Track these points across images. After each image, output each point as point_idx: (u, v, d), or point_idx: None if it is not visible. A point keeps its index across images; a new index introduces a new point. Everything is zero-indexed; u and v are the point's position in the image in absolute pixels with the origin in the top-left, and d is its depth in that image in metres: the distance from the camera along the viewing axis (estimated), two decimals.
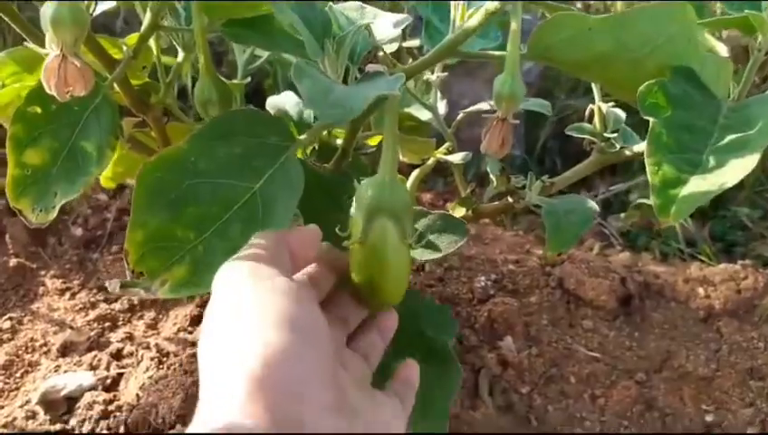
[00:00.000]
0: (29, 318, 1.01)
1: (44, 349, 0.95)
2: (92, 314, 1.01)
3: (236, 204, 0.49)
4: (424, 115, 0.74)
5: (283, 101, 0.64)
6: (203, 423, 0.34)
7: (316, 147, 0.70)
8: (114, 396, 0.86)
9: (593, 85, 0.68)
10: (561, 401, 0.92)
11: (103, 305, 1.04)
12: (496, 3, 0.47)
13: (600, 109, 0.68)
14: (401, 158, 0.76)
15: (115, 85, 0.56)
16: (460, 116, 0.75)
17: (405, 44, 0.77)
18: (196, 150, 0.49)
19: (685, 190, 0.40)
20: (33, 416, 0.83)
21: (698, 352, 1.02)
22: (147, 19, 0.53)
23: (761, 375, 0.98)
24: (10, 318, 1.00)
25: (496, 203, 0.72)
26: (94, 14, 0.54)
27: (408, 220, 0.50)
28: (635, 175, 1.50)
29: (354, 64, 0.55)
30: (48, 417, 0.83)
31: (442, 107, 0.74)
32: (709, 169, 0.41)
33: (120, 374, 0.89)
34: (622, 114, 0.68)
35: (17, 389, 0.89)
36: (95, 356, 0.92)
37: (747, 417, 0.92)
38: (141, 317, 1.02)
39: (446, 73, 0.72)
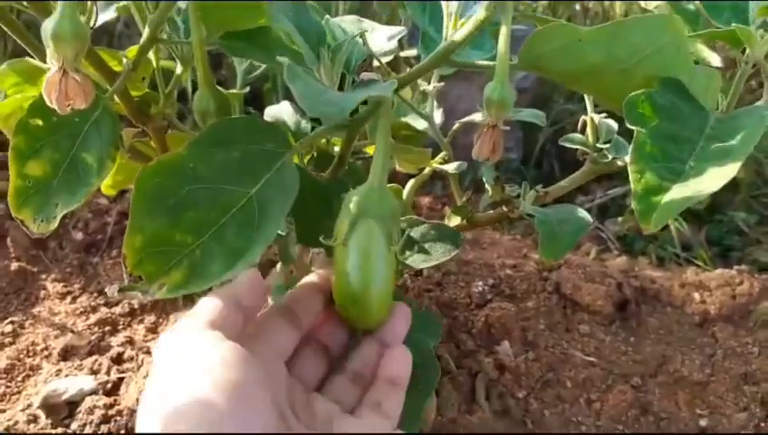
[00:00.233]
0: (30, 322, 1.02)
1: (45, 353, 0.96)
2: (93, 318, 1.02)
3: (233, 208, 0.49)
4: (420, 124, 0.75)
5: (281, 112, 0.65)
6: None
7: (314, 154, 0.72)
8: (115, 400, 0.86)
9: (586, 96, 0.69)
10: (557, 405, 0.93)
11: (104, 309, 1.05)
12: (485, 12, 0.48)
13: (592, 120, 0.69)
14: (398, 167, 0.77)
15: (115, 96, 0.57)
16: (456, 126, 0.76)
17: (402, 54, 0.78)
18: (194, 156, 0.50)
19: (666, 197, 0.41)
20: (34, 420, 0.84)
21: (693, 357, 1.03)
22: (146, 33, 0.54)
23: (755, 380, 0.99)
24: (11, 322, 1.01)
25: (491, 212, 0.73)
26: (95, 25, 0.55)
27: (395, 227, 0.51)
28: None
29: (350, 73, 0.56)
30: (49, 421, 0.83)
31: (438, 116, 0.75)
32: (691, 177, 0.42)
33: (121, 379, 0.90)
34: (614, 125, 0.69)
35: (18, 393, 0.90)
36: (96, 360, 0.93)
37: (741, 422, 0.93)
38: (141, 321, 1.03)
39: (442, 84, 0.73)
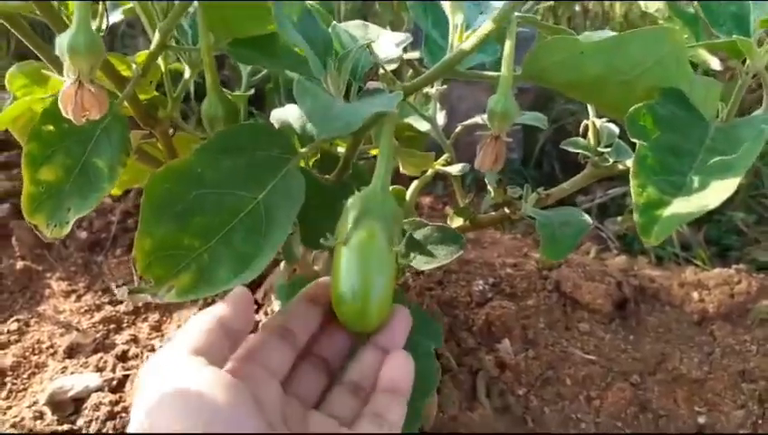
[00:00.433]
0: (36, 320, 1.03)
1: (51, 350, 0.97)
2: (98, 317, 1.03)
3: (241, 213, 0.50)
4: (423, 126, 0.76)
5: (287, 114, 0.66)
6: None
7: (319, 156, 0.72)
8: (120, 397, 0.87)
9: None
10: (557, 402, 0.94)
11: (108, 308, 1.05)
12: (492, 25, 0.49)
13: (593, 124, 0.70)
14: (401, 170, 0.78)
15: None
16: (458, 129, 0.77)
17: (406, 56, 0.79)
18: (202, 162, 0.51)
19: (667, 211, 0.42)
20: (40, 416, 0.84)
21: (692, 355, 1.04)
22: (155, 39, 0.55)
23: (753, 378, 1.00)
24: (17, 320, 1.02)
25: (493, 214, 0.74)
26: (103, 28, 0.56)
27: (396, 228, 0.51)
28: None
29: (356, 81, 0.57)
30: (55, 417, 0.84)
31: (441, 118, 0.76)
32: (692, 191, 0.42)
33: (126, 376, 0.91)
34: (615, 129, 0.70)
35: (25, 390, 0.91)
36: (101, 358, 0.94)
37: (739, 419, 0.94)
38: (146, 320, 1.04)
39: (444, 87, 0.74)
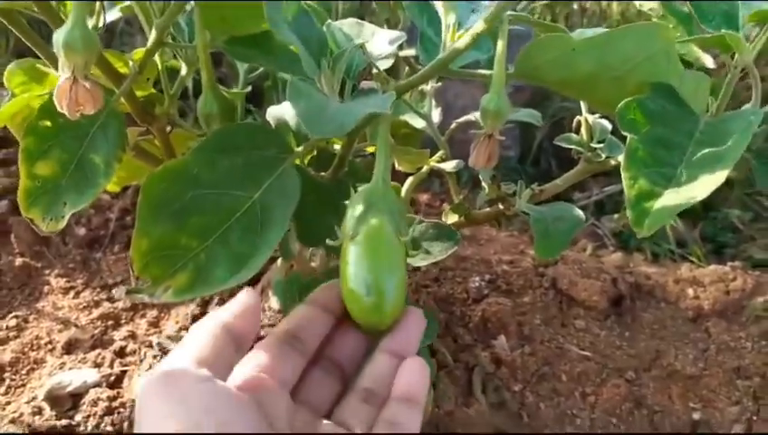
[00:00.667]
0: (34, 316, 1.04)
1: (49, 346, 0.97)
2: (96, 313, 1.03)
3: (237, 213, 0.51)
4: (418, 123, 0.76)
5: (283, 111, 0.66)
6: None
7: (315, 153, 0.73)
8: (118, 393, 0.88)
9: None
10: (552, 398, 0.94)
11: (106, 304, 1.06)
12: (484, 25, 0.49)
13: (586, 120, 0.70)
14: (397, 167, 0.79)
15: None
16: (453, 125, 0.77)
17: (402, 53, 0.79)
18: (198, 162, 0.51)
19: (658, 204, 0.42)
20: (39, 412, 0.85)
21: (687, 352, 1.04)
22: (152, 37, 0.55)
23: (747, 374, 1.00)
24: (16, 316, 1.02)
25: (488, 210, 0.75)
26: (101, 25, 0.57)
27: (401, 221, 0.50)
28: None
29: (351, 79, 0.57)
30: (54, 413, 0.85)
31: (436, 115, 0.77)
32: (682, 183, 0.43)
33: (124, 372, 0.92)
34: (608, 125, 0.70)
35: (23, 385, 0.91)
36: (99, 354, 0.94)
37: (733, 415, 0.94)
38: (144, 316, 1.04)
39: (440, 84, 0.74)
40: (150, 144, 0.71)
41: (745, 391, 0.98)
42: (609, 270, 1.17)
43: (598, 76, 0.50)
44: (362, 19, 0.68)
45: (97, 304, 1.06)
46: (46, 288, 1.10)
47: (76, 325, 1.01)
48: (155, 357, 0.93)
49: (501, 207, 0.72)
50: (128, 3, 0.66)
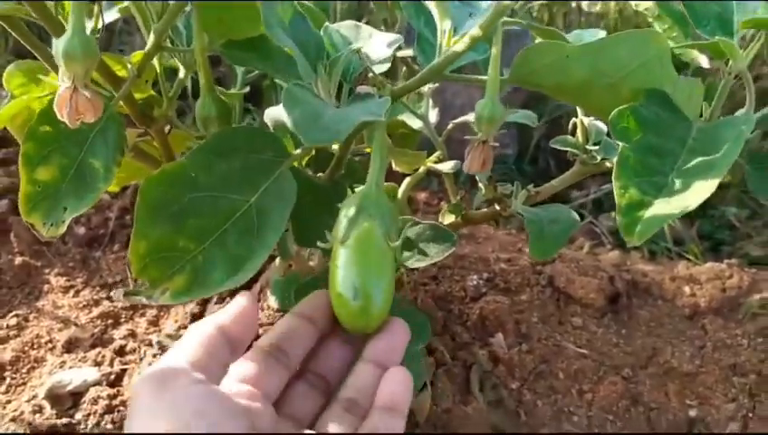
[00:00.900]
0: (34, 315, 1.04)
1: (50, 345, 0.98)
2: (96, 312, 1.04)
3: (234, 216, 0.51)
4: (416, 123, 0.77)
5: (281, 114, 0.66)
6: None
7: (313, 153, 0.73)
8: (118, 391, 0.88)
9: None
10: (549, 396, 0.95)
11: (106, 303, 1.06)
12: (479, 31, 0.50)
13: (582, 122, 0.71)
14: (394, 167, 0.79)
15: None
16: (450, 126, 0.78)
17: (400, 54, 0.80)
18: (196, 166, 0.52)
19: (649, 212, 0.43)
20: (39, 410, 0.85)
21: (683, 349, 1.05)
22: (150, 40, 0.56)
23: (744, 371, 1.01)
24: (16, 315, 1.03)
25: (485, 210, 0.75)
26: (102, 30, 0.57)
27: (393, 226, 0.51)
28: None
29: (348, 83, 0.58)
30: (54, 411, 0.85)
31: (433, 116, 0.77)
32: (673, 192, 0.43)
33: (124, 370, 0.92)
34: (603, 127, 0.71)
35: (24, 384, 0.92)
36: (99, 352, 0.95)
37: (730, 412, 0.95)
38: (143, 315, 1.04)
39: (437, 84, 0.75)
40: (149, 145, 0.72)
41: (741, 388, 0.98)
42: (606, 268, 1.18)
43: (592, 82, 0.51)
44: (360, 19, 0.69)
45: (97, 302, 1.07)
46: (46, 287, 1.11)
47: (76, 324, 1.01)
48: (155, 356, 0.93)
49: (497, 207, 0.72)
50: (126, 4, 0.66)
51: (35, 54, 0.61)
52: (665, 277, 1.20)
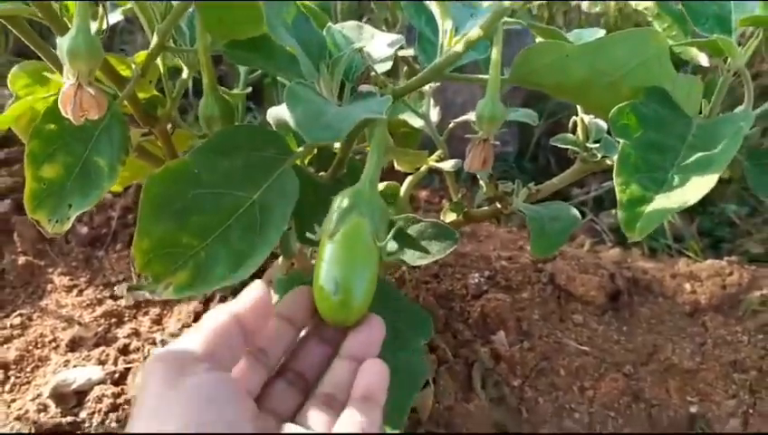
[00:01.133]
0: (38, 314, 1.05)
1: (54, 344, 0.98)
2: (99, 311, 1.04)
3: (236, 213, 0.52)
4: (417, 122, 0.77)
5: (283, 113, 0.67)
6: None
7: (315, 152, 0.74)
8: (122, 390, 0.89)
9: None
10: (551, 392, 0.95)
11: (110, 302, 1.07)
12: (480, 31, 0.50)
13: (582, 120, 0.71)
14: (396, 166, 0.80)
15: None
16: (452, 124, 0.78)
17: (401, 53, 0.80)
18: (199, 163, 0.52)
19: (650, 207, 0.43)
20: (44, 409, 0.86)
21: (684, 346, 1.05)
22: (154, 41, 0.56)
23: (744, 368, 1.01)
24: (20, 314, 1.03)
25: (486, 208, 0.76)
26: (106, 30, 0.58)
27: (382, 225, 0.52)
28: None
29: (350, 82, 0.58)
30: (59, 410, 0.86)
31: (434, 115, 0.78)
32: (673, 188, 0.44)
33: (128, 369, 0.93)
34: (604, 125, 0.71)
35: (28, 383, 0.92)
36: (103, 351, 0.95)
37: (730, 408, 0.95)
38: (146, 313, 1.05)
39: (438, 84, 0.75)
40: (152, 145, 0.72)
41: (742, 384, 0.99)
42: (606, 265, 1.18)
43: (592, 81, 0.51)
44: (360, 19, 0.69)
45: (100, 301, 1.07)
46: (49, 286, 1.11)
47: (80, 323, 1.02)
48: None
49: (498, 205, 0.73)
50: (129, 5, 0.67)
51: (38, 54, 0.62)
52: (665, 274, 1.20)
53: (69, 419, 0.85)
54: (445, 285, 1.10)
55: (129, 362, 0.94)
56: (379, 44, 0.61)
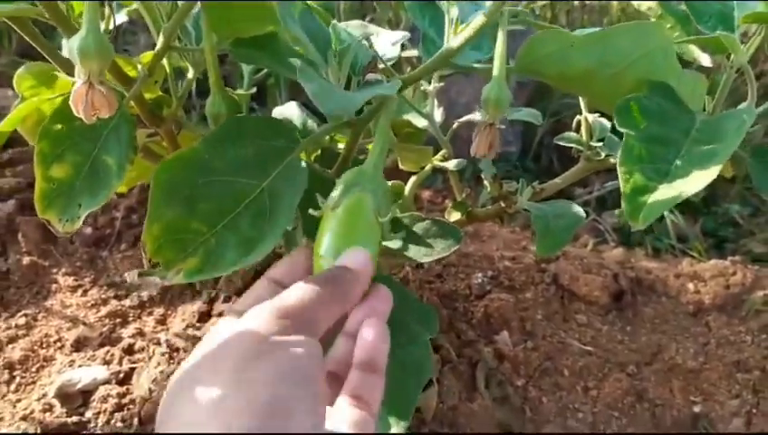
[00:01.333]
0: (43, 315, 1.05)
1: (59, 344, 0.98)
2: (104, 311, 1.05)
3: (246, 200, 0.52)
4: (421, 123, 0.77)
5: (288, 112, 0.68)
6: None
7: (320, 152, 0.74)
8: (127, 389, 0.89)
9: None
10: (554, 392, 0.95)
11: (114, 302, 1.07)
12: (484, 18, 0.50)
13: (586, 119, 0.71)
14: (400, 166, 0.80)
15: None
16: (455, 125, 0.78)
17: (404, 54, 0.80)
18: (209, 151, 0.53)
19: (653, 197, 0.44)
20: (49, 409, 0.86)
21: (687, 346, 1.05)
22: (160, 41, 0.56)
23: (747, 368, 1.02)
24: (25, 315, 1.04)
25: (490, 207, 0.76)
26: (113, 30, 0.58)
27: (383, 203, 0.51)
28: None
29: (356, 75, 0.59)
30: (64, 409, 0.86)
31: (438, 115, 0.78)
32: (677, 178, 0.44)
33: (133, 369, 0.93)
34: (607, 124, 0.71)
35: (33, 383, 0.92)
36: (108, 351, 0.95)
37: (733, 408, 0.95)
38: (151, 313, 1.05)
39: (442, 84, 0.75)
40: (159, 146, 0.73)
41: (745, 384, 0.99)
42: (610, 265, 1.19)
43: (595, 72, 0.52)
44: (363, 19, 0.70)
45: (105, 301, 1.08)
46: (54, 287, 1.12)
47: (84, 323, 1.02)
48: (163, 354, 0.94)
49: (503, 205, 0.73)
50: (135, 6, 0.67)
51: (43, 54, 0.62)
52: (669, 274, 1.20)
53: (74, 418, 0.85)
54: (448, 286, 1.10)
55: (134, 362, 0.94)
56: (383, 42, 0.61)
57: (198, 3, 0.57)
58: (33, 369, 0.95)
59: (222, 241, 0.50)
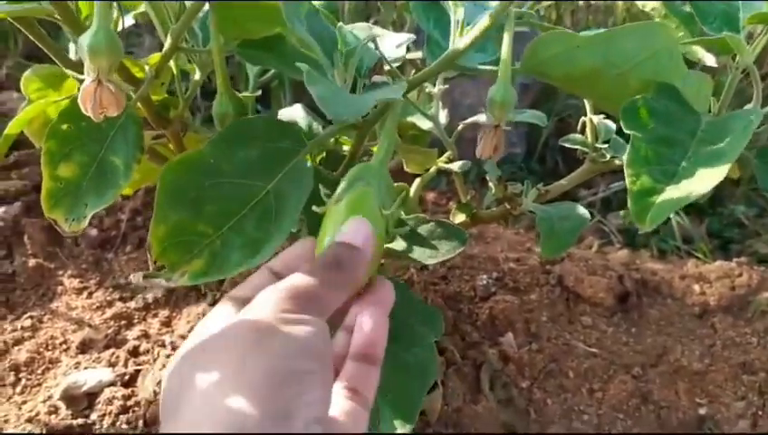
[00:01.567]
0: (48, 317, 1.05)
1: (64, 346, 0.99)
2: (109, 313, 1.05)
3: (252, 202, 0.52)
4: (426, 125, 0.77)
5: (294, 114, 0.68)
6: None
7: (325, 154, 0.74)
8: (132, 392, 0.89)
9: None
10: (559, 394, 0.95)
11: (119, 304, 1.07)
12: (490, 20, 0.51)
13: (591, 120, 0.71)
14: (405, 168, 0.80)
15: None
16: (460, 127, 0.78)
17: (408, 56, 0.80)
18: (215, 153, 0.53)
19: (660, 198, 0.44)
20: (55, 411, 0.86)
21: (693, 348, 1.05)
22: (168, 42, 0.57)
23: (753, 370, 1.01)
24: (30, 317, 1.04)
25: (494, 209, 0.76)
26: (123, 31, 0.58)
27: (387, 197, 0.51)
28: None
29: (362, 77, 0.59)
30: (70, 412, 0.86)
31: (443, 117, 0.78)
32: (683, 179, 0.44)
33: (138, 371, 0.93)
34: (612, 126, 0.71)
35: (39, 385, 0.93)
36: (113, 353, 0.96)
37: (739, 410, 0.95)
38: (156, 316, 1.05)
39: (446, 86, 0.75)
40: (165, 148, 0.73)
41: (751, 386, 0.99)
42: (615, 267, 1.18)
43: (601, 72, 0.52)
44: (367, 20, 0.70)
45: (110, 303, 1.08)
46: (59, 289, 1.12)
47: (90, 325, 1.02)
48: (168, 356, 0.94)
49: (507, 206, 0.73)
50: (141, 9, 0.67)
51: (49, 56, 0.62)
52: (674, 276, 1.20)
53: (80, 420, 0.85)
54: (453, 287, 1.10)
55: (140, 365, 0.94)
56: (388, 45, 0.62)
57: (207, 4, 0.57)
58: (39, 371, 0.95)
59: (227, 243, 0.51)
